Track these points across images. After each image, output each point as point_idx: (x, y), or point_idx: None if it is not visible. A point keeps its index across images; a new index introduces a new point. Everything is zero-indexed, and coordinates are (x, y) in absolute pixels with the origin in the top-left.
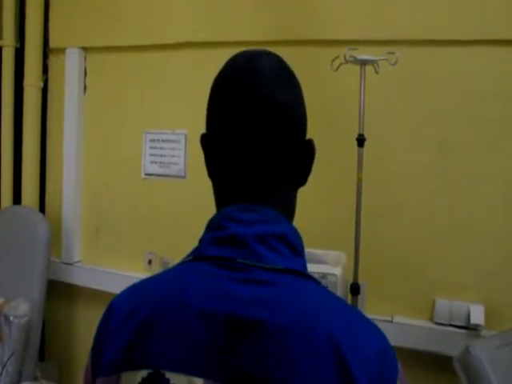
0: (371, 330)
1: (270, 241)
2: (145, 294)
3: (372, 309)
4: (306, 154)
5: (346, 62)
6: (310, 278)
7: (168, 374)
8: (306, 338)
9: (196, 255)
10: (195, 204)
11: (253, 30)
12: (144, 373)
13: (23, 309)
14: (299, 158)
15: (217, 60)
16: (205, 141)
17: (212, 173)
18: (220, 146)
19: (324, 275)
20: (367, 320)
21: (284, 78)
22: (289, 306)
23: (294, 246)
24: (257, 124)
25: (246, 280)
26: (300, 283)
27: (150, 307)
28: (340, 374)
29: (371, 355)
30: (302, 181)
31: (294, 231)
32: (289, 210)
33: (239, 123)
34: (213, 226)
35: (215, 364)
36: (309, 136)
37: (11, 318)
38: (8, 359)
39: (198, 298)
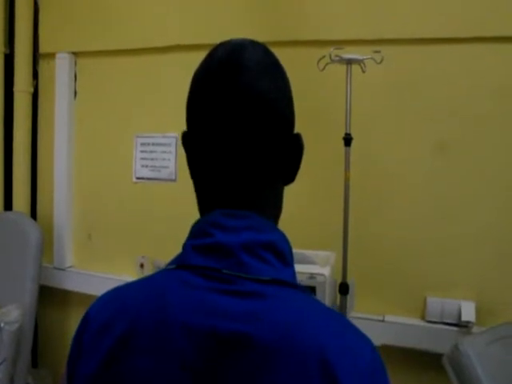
0: (361, 343)
1: (258, 250)
2: (123, 304)
3: (363, 308)
4: (293, 148)
5: (332, 61)
6: (299, 288)
7: None
8: (295, 356)
9: (179, 263)
10: (187, 207)
11: (241, 31)
12: None
13: (14, 315)
14: (286, 154)
15: None
16: (186, 139)
17: (194, 174)
18: (202, 144)
19: (312, 275)
20: (356, 330)
21: (268, 71)
22: (277, 321)
23: (282, 255)
24: (240, 120)
25: (233, 292)
26: (289, 295)
27: (128, 320)
28: None
29: (363, 372)
30: (290, 178)
31: (283, 239)
32: (276, 210)
33: (221, 120)
34: (196, 232)
35: (199, 382)
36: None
37: (2, 324)
38: None
39: (181, 311)
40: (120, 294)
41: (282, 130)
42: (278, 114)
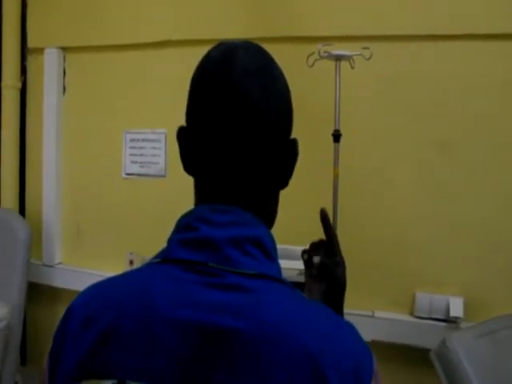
0: (349, 338)
1: (244, 245)
2: (107, 299)
3: (353, 304)
4: (287, 153)
5: (321, 57)
6: (284, 283)
7: None
8: (283, 350)
9: (164, 257)
10: (176, 203)
11: (230, 27)
12: (108, 383)
13: (2, 312)
14: (279, 158)
15: (195, 58)
16: (182, 134)
17: (188, 168)
18: (197, 141)
19: (301, 272)
20: (344, 324)
21: (261, 75)
22: (265, 315)
23: (268, 250)
24: (233, 122)
25: (219, 285)
26: (275, 289)
27: (112, 315)
28: None
29: (348, 369)
30: (283, 182)
31: (268, 234)
32: (267, 213)
33: (215, 121)
34: (182, 225)
35: (187, 376)
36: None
37: None
38: None
39: (167, 305)
40: (104, 289)
41: (273, 136)
42: (269, 119)
